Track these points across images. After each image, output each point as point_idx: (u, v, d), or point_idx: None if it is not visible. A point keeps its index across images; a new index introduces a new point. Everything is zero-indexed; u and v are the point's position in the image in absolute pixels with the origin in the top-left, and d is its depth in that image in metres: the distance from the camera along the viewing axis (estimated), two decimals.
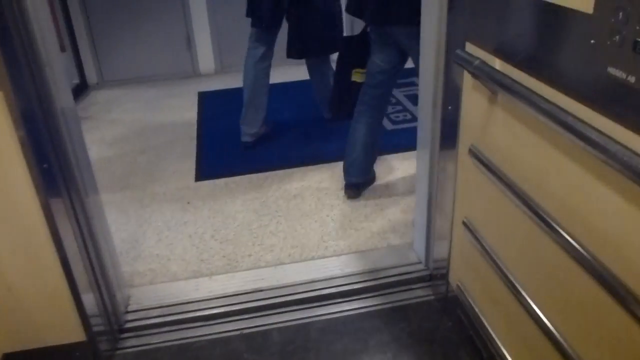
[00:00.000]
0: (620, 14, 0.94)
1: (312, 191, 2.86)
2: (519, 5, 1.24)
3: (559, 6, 1.10)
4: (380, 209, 2.67)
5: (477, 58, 1.37)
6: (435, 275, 2.15)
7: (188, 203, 2.80)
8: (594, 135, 1.00)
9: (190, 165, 3.23)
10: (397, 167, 3.06)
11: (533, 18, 1.21)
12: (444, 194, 1.91)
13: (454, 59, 1.51)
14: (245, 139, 3.33)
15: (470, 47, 1.49)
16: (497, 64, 1.37)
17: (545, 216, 1.26)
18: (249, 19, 3.07)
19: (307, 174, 3.04)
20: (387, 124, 3.63)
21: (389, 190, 2.84)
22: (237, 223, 2.61)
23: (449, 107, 1.74)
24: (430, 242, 2.18)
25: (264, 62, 3.16)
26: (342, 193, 2.81)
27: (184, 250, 2.42)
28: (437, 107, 1.86)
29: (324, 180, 2.96)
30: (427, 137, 1.98)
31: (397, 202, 2.72)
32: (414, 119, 3.65)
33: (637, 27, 0.91)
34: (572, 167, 1.14)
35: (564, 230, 1.20)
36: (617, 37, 0.96)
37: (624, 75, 0.96)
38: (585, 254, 1.13)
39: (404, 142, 3.26)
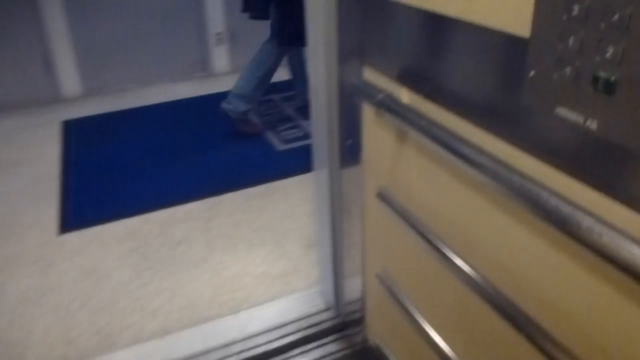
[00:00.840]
0: (571, 39, 0.70)
1: (199, 233, 2.50)
2: (430, 24, 0.99)
3: (483, 27, 0.86)
4: (278, 247, 2.37)
5: (380, 91, 1.11)
6: (349, 323, 1.89)
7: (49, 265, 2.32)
8: (542, 195, 0.77)
9: (51, 213, 2.72)
10: (294, 194, 2.77)
11: (450, 40, 0.96)
12: (351, 236, 1.65)
13: (350, 90, 1.24)
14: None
15: (370, 74, 1.22)
16: (405, 95, 1.11)
17: (470, 272, 1.02)
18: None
19: (192, 211, 2.66)
20: (278, 144, 3.33)
21: (288, 222, 2.55)
22: (113, 284, 2.19)
23: (349, 141, 1.48)
24: (339, 283, 1.92)
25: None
26: (236, 232, 2.47)
27: (46, 330, 1.97)
28: (333, 139, 1.58)
29: (213, 217, 2.60)
30: (324, 177, 1.70)
31: (298, 236, 2.43)
32: (308, 134, 3.39)
33: (597, 59, 0.68)
34: (505, 224, 0.91)
35: (491, 287, 0.97)
36: (568, 69, 0.72)
37: (580, 119, 0.72)
38: (513, 311, 0.91)
39: (300, 163, 2.98)
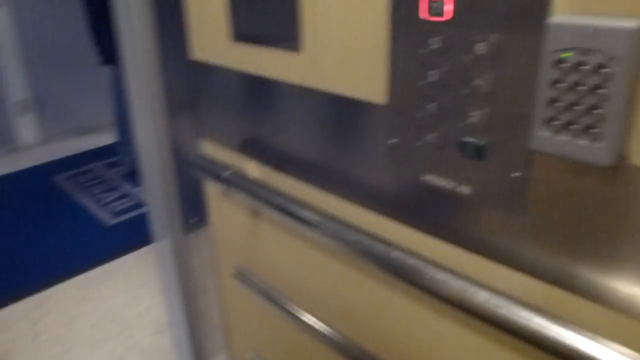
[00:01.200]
0: (431, 105, 0.66)
1: (24, 342, 2.10)
2: (274, 91, 0.90)
3: (333, 94, 0.79)
4: (125, 339, 2.08)
5: (225, 167, 0.99)
6: None
7: None
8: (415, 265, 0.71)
9: None
10: (135, 274, 2.49)
11: (297, 107, 0.88)
12: (208, 315, 1.48)
13: (189, 166, 1.10)
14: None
15: (210, 147, 1.10)
16: (253, 169, 1.00)
17: (341, 341, 0.93)
18: None
19: (11, 316, 2.24)
20: (107, 218, 3.00)
21: (132, 308, 2.26)
22: None
23: (193, 219, 1.32)
24: None
25: None
26: (71, 331, 2.12)
27: None
28: (173, 214, 1.41)
29: (40, 318, 2.21)
30: (168, 250, 1.50)
31: (146, 322, 2.17)
32: (142, 202, 3.11)
33: (462, 124, 0.64)
34: (375, 292, 0.84)
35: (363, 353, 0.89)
36: (433, 136, 0.67)
37: (451, 185, 0.68)
38: None
39: (137, 236, 2.70)
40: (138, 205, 3.11)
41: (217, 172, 1.00)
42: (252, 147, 1.01)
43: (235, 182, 0.97)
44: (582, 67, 0.50)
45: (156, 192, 1.43)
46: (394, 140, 0.73)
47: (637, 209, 0.53)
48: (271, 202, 0.91)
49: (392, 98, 0.71)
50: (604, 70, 0.49)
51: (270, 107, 0.93)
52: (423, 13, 0.63)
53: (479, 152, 0.64)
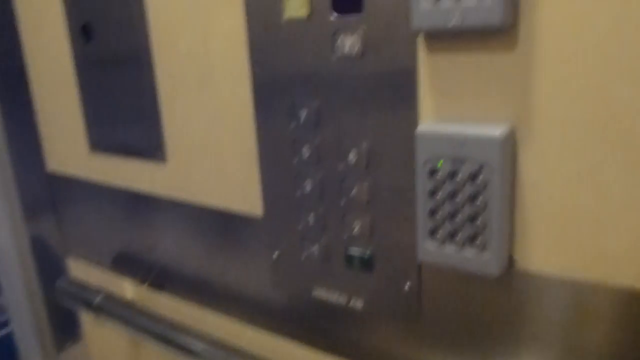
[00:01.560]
0: (311, 216, 0.61)
1: None
2: (144, 204, 0.81)
3: (205, 206, 0.72)
4: None
5: (96, 291, 0.87)
6: None
7: None
8: None
9: None
10: None
11: (170, 219, 0.79)
12: None
13: (55, 292, 0.96)
14: None
15: (78, 268, 0.97)
16: (129, 289, 0.89)
17: None
18: None
19: None
20: None
21: None
22: None
23: (64, 339, 1.16)
24: None
25: None
26: None
27: None
28: (42, 338, 1.23)
29: None
30: None
31: None
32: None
33: (345, 235, 0.59)
34: None
35: None
36: (316, 248, 0.62)
37: (342, 299, 0.62)
38: None
39: (5, 357, 2.36)
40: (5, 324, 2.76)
41: (86, 298, 0.87)
42: (125, 264, 0.90)
43: (108, 308, 0.85)
44: (456, 177, 0.47)
45: (21, 314, 1.25)
46: (276, 254, 0.66)
47: (530, 313, 0.50)
48: (149, 330, 0.79)
49: (269, 210, 0.65)
50: (477, 180, 0.46)
51: (140, 220, 0.83)
52: (293, 120, 0.59)
53: (366, 264, 0.59)
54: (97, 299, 0.85)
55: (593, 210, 0.44)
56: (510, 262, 0.50)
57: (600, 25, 0.40)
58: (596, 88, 0.42)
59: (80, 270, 0.98)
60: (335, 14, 0.52)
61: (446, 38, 0.47)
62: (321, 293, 0.64)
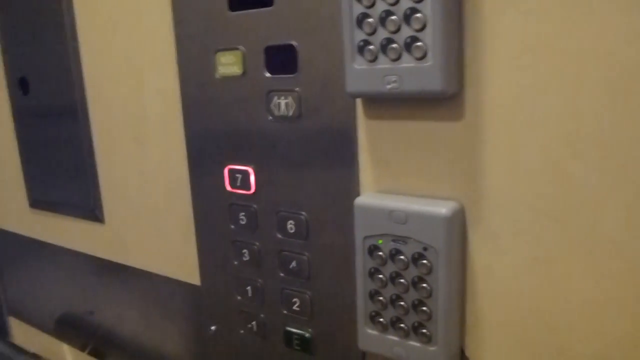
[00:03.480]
0: (248, 289, 0.55)
1: None
2: (81, 262, 0.75)
3: (141, 272, 0.65)
4: None
5: (35, 357, 0.79)
6: None
7: None
8: None
9: None
10: None
11: (110, 281, 0.73)
12: None
13: None
14: None
15: (20, 329, 0.89)
16: (68, 354, 0.82)
17: None
18: None
19: None
20: None
21: None
22: None
23: None
24: None
25: None
26: None
27: None
28: None
29: None
30: None
31: None
32: None
33: (284, 311, 0.53)
34: None
35: None
36: (254, 324, 0.55)
37: None
38: None
39: None
40: None
41: None
42: (66, 329, 0.82)
43: None
44: (399, 257, 0.42)
45: None
46: (213, 328, 0.60)
47: None
48: None
49: (206, 279, 0.59)
50: (422, 262, 0.41)
51: (81, 282, 0.77)
52: (229, 185, 0.53)
53: (306, 346, 0.52)
54: None
55: (551, 304, 0.39)
56: (462, 356, 0.43)
57: (553, 97, 0.35)
58: (550, 165, 0.37)
59: (22, 332, 0.91)
60: (268, 75, 0.47)
61: (387, 103, 0.42)
62: None
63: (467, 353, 0.43)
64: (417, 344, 0.43)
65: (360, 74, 0.40)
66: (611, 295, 0.36)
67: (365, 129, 0.44)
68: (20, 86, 0.73)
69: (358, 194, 0.45)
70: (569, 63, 0.34)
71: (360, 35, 0.39)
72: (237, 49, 0.49)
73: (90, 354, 0.80)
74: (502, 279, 0.40)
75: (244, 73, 0.49)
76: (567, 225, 0.37)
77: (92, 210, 0.68)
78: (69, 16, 0.63)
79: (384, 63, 0.38)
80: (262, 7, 0.46)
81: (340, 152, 0.45)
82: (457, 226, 0.40)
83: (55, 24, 0.65)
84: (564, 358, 0.39)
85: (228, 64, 0.49)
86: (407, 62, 0.38)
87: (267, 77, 0.47)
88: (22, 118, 0.75)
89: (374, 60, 0.39)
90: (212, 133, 0.53)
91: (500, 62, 0.37)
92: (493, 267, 0.40)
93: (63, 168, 0.71)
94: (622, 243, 0.35)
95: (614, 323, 0.36)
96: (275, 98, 0.47)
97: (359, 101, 0.44)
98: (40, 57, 0.68)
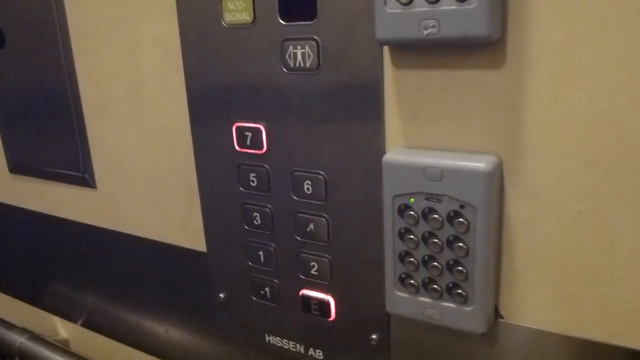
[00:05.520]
0: (261, 254, 0.52)
1: None
2: (69, 230, 0.71)
3: (140, 238, 0.62)
4: None
5: (23, 332, 0.76)
6: None
7: None
8: None
9: None
10: None
11: (102, 249, 0.69)
12: None
13: None
14: None
15: (3, 302, 0.85)
16: (60, 327, 0.78)
17: None
18: None
19: None
20: None
21: None
22: None
23: None
24: None
25: None
26: None
27: None
28: None
29: None
30: None
31: None
32: None
33: (300, 277, 0.50)
34: None
35: None
36: (267, 290, 0.53)
37: (300, 348, 0.54)
38: None
39: None
40: None
41: (7, 342, 0.76)
42: (56, 300, 0.79)
43: (35, 353, 0.74)
44: (432, 216, 0.39)
45: None
46: (222, 295, 0.57)
47: None
48: None
49: (212, 246, 0.56)
50: (458, 220, 0.38)
51: (71, 251, 0.73)
52: (237, 144, 0.50)
53: (325, 310, 0.50)
54: (19, 341, 0.74)
55: (595, 256, 0.37)
56: (496, 315, 0.42)
57: (604, 41, 0.33)
58: (599, 114, 0.34)
59: (6, 306, 0.86)
60: (283, 22, 0.43)
61: (418, 51, 0.39)
62: (274, 341, 0.55)
63: (502, 311, 0.42)
64: (452, 305, 0.41)
65: (392, 18, 0.36)
66: None
67: (393, 80, 0.41)
68: None
69: (383, 151, 0.42)
70: (621, 3, 0.32)
71: None
72: None
73: (84, 325, 0.76)
74: (542, 235, 0.38)
75: (255, 20, 0.44)
76: (616, 176, 0.35)
77: (82, 175, 0.64)
78: None
79: (420, 6, 0.35)
80: None
81: (364, 105, 0.42)
82: (496, 181, 0.38)
83: None
84: (606, 311, 0.38)
85: (236, 11, 0.45)
86: (447, 4, 0.34)
87: (281, 25, 0.43)
88: None
89: (408, 3, 0.35)
90: (218, 87, 0.49)
91: (547, 2, 0.34)
92: (532, 222, 0.38)
93: (46, 130, 0.65)
94: None
95: None
96: (291, 48, 0.44)
97: (385, 49, 0.40)
98: (17, 5, 0.62)
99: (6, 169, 0.73)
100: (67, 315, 0.77)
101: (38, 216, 0.73)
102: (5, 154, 0.72)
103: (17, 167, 0.72)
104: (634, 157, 0.34)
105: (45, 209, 0.72)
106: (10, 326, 0.78)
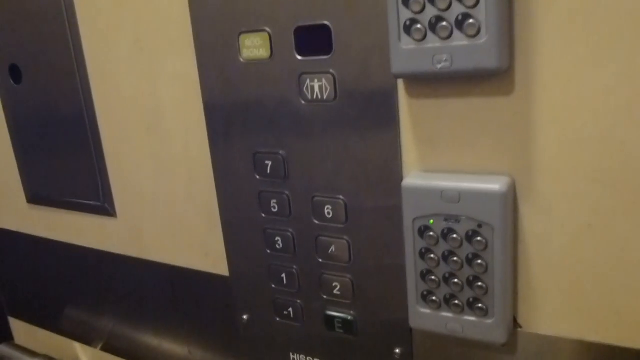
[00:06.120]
0: (283, 277, 0.54)
1: None
2: (91, 259, 0.72)
3: (164, 264, 0.64)
4: None
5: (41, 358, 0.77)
6: None
7: None
8: None
9: None
10: None
11: (124, 277, 0.71)
12: None
13: None
14: None
15: (24, 331, 0.87)
16: (81, 352, 0.80)
17: None
18: None
19: None
20: None
21: None
22: None
23: None
24: None
25: None
26: None
27: None
28: None
29: None
30: None
31: None
32: None
33: (323, 297, 0.52)
34: None
35: None
36: (291, 310, 0.55)
37: None
38: None
39: None
40: None
41: None
42: (75, 327, 0.80)
43: None
44: (451, 236, 0.42)
45: None
46: (246, 317, 0.59)
47: None
48: None
49: (235, 269, 0.58)
50: (476, 239, 0.41)
51: (91, 279, 0.75)
52: (257, 172, 0.52)
53: (349, 328, 0.52)
54: None
55: (607, 266, 0.39)
56: (515, 325, 0.44)
57: (606, 66, 0.35)
58: (604, 133, 0.37)
59: (26, 334, 0.88)
60: (299, 57, 0.46)
61: (431, 81, 0.41)
62: (300, 358, 0.57)
63: (520, 321, 0.44)
64: (473, 318, 0.43)
65: (407, 54, 0.38)
66: None
67: (408, 108, 0.43)
68: (10, 74, 0.68)
69: (401, 175, 0.45)
70: (621, 30, 0.34)
71: (406, 14, 0.38)
72: (263, 30, 0.46)
73: (105, 349, 0.78)
74: (556, 248, 0.41)
75: (272, 55, 0.47)
76: (623, 190, 0.37)
77: (102, 204, 0.66)
78: None
79: (433, 42, 0.37)
80: None
81: (381, 132, 0.44)
82: (511, 200, 0.40)
83: (49, 4, 0.60)
84: (622, 318, 0.40)
85: (253, 47, 0.47)
86: (459, 40, 0.37)
87: (298, 60, 0.46)
88: (15, 109, 0.70)
89: (422, 39, 0.38)
90: (238, 119, 0.51)
91: (551, 33, 0.36)
92: (546, 237, 0.41)
93: (65, 161, 0.67)
94: None
95: None
96: (308, 81, 0.46)
97: (400, 80, 0.42)
98: (33, 41, 0.64)
99: (24, 200, 0.75)
100: (88, 340, 0.79)
101: (57, 245, 0.75)
102: (24, 184, 0.74)
103: (35, 198, 0.74)
104: (637, 172, 0.36)
105: (64, 237, 0.73)
106: (32, 354, 0.79)
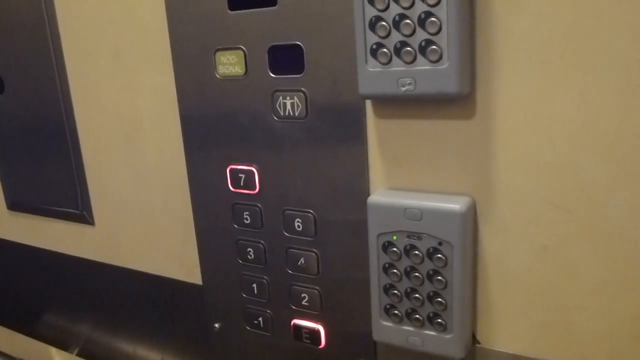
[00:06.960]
0: (254, 287, 0.55)
1: None
2: (67, 265, 0.73)
3: (138, 272, 0.65)
4: None
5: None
6: None
7: None
8: None
9: None
10: None
11: (100, 283, 0.72)
12: None
13: None
14: None
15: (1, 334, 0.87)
16: (57, 357, 0.80)
17: None
18: None
19: None
20: None
21: None
22: None
23: None
24: None
25: None
26: None
27: None
28: None
29: None
30: None
31: None
32: None
33: (292, 307, 0.54)
34: None
35: None
36: (261, 320, 0.56)
37: None
38: None
39: None
40: None
41: None
42: (52, 332, 0.81)
43: None
44: (414, 252, 0.43)
45: None
46: (217, 325, 0.60)
47: None
48: None
49: (208, 278, 0.59)
50: (437, 256, 0.42)
51: (69, 285, 0.75)
52: (231, 184, 0.53)
53: (316, 339, 0.54)
54: None
55: (561, 286, 0.41)
56: (473, 341, 0.46)
57: (562, 95, 0.37)
58: (559, 158, 0.38)
59: (3, 338, 0.88)
60: (273, 75, 0.47)
61: (397, 102, 0.43)
62: None
63: (479, 338, 0.45)
64: (433, 333, 0.44)
65: (373, 76, 0.40)
66: (618, 277, 0.39)
67: (375, 128, 0.45)
68: None
69: (368, 191, 0.46)
70: (578, 62, 0.36)
71: (373, 38, 0.39)
72: (238, 48, 0.48)
73: (80, 355, 0.78)
74: (513, 267, 0.42)
75: (247, 73, 0.48)
76: (577, 214, 0.39)
77: (80, 212, 0.67)
78: (48, 8, 0.60)
79: (398, 66, 0.39)
80: (265, 6, 0.46)
81: (349, 150, 0.46)
82: (470, 220, 0.42)
83: (32, 17, 0.62)
84: (573, 336, 0.42)
85: (229, 64, 0.49)
86: (422, 64, 0.38)
87: (272, 77, 0.47)
88: None
89: (387, 62, 0.39)
90: (213, 133, 0.52)
91: (511, 62, 0.38)
92: (504, 256, 0.42)
93: (45, 169, 0.68)
94: (628, 229, 0.37)
95: (621, 302, 0.39)
96: (281, 98, 0.47)
97: (368, 101, 0.44)
98: (16, 52, 0.65)
99: (4, 206, 0.76)
100: (64, 345, 0.79)
101: (36, 251, 0.75)
102: (4, 191, 0.75)
103: (15, 205, 0.74)
104: (591, 197, 0.38)
105: (43, 244, 0.74)
106: (9, 358, 0.79)
